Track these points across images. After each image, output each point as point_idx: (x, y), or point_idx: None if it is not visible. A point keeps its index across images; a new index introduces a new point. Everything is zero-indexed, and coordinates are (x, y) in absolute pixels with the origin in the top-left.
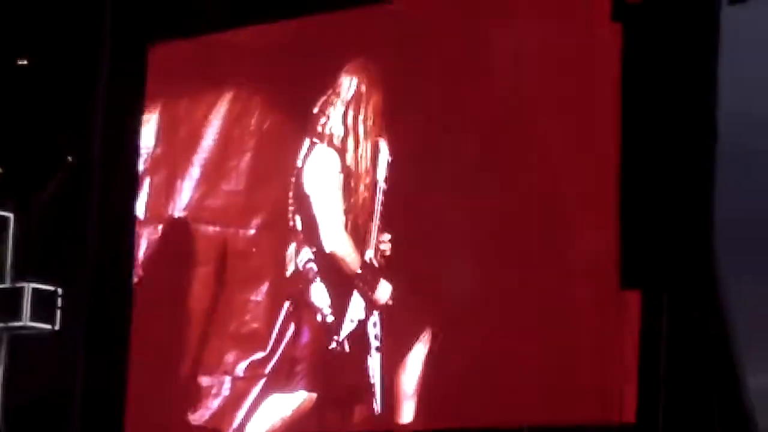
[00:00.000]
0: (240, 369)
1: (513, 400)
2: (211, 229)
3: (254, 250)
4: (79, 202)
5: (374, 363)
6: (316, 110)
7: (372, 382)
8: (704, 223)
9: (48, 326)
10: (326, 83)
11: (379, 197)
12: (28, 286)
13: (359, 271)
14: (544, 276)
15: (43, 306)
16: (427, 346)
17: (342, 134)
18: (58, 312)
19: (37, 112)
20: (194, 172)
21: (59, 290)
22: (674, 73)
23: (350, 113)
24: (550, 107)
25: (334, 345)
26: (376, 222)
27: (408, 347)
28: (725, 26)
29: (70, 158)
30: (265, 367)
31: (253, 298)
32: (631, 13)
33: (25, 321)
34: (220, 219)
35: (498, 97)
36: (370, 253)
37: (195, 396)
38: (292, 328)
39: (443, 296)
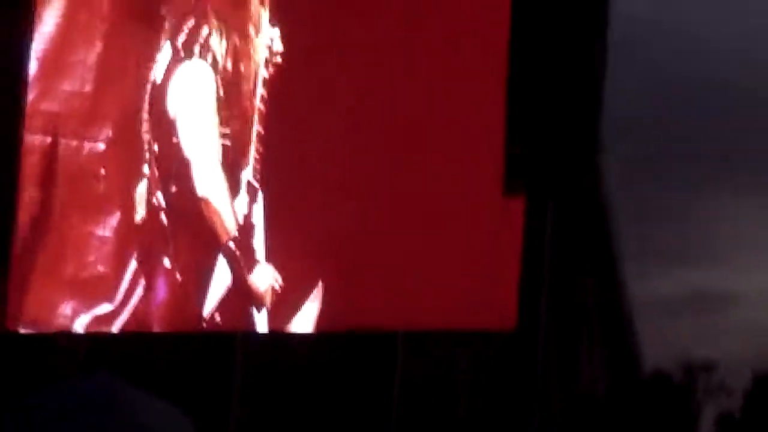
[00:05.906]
0: (79, 325)
1: (392, 304)
2: (48, 140)
3: (102, 170)
4: None
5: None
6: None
7: None
8: (590, 129)
9: None
10: None
11: (256, 128)
12: None
13: (233, 234)
14: (430, 187)
15: None
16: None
17: (222, 45)
18: None
19: None
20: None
21: None
22: None
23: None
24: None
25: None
26: (252, 160)
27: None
28: None
29: None
30: (111, 324)
31: (99, 232)
32: None
33: None
34: (60, 128)
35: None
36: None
37: None
38: (142, 283)
39: (333, 239)
